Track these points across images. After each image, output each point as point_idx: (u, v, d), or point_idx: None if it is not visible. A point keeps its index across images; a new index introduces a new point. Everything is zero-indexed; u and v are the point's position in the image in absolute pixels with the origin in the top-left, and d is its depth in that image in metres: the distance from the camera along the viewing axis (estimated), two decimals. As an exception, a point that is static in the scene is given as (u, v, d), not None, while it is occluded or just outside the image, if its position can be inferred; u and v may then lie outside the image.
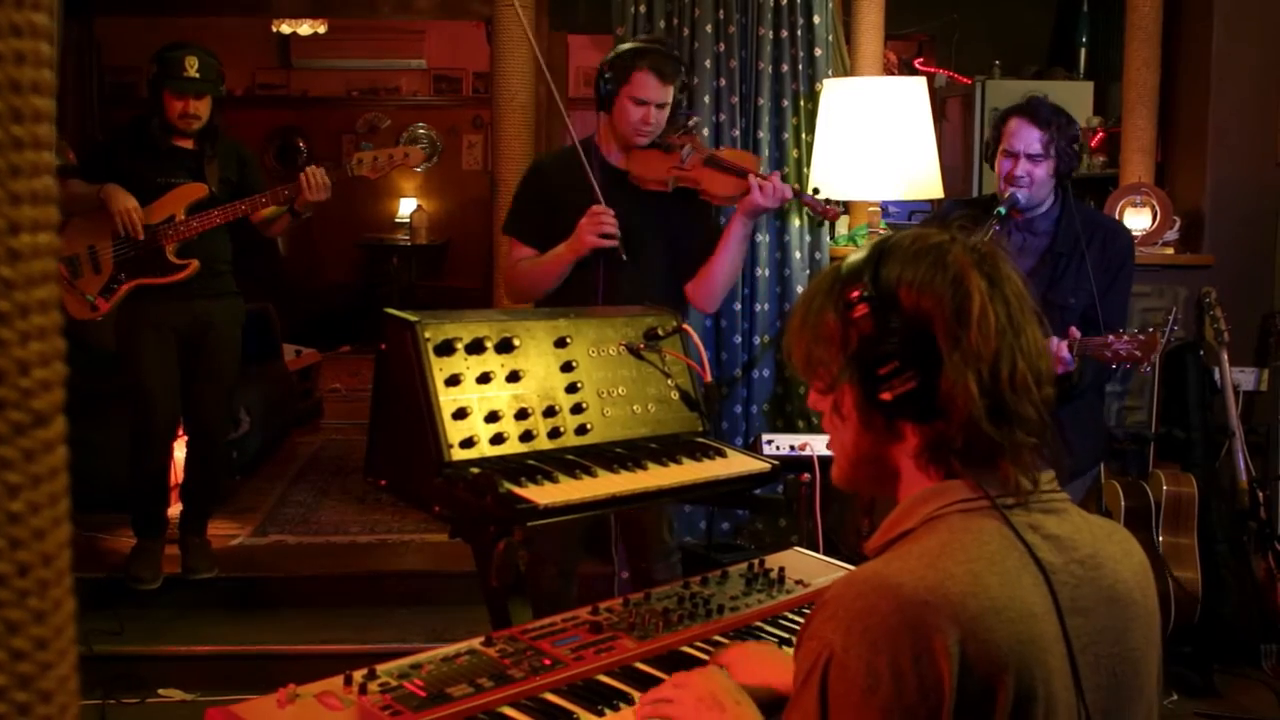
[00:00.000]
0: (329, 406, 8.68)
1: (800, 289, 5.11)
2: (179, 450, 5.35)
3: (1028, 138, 3.77)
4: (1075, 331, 3.56)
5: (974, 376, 1.47)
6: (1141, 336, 3.55)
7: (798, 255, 5.11)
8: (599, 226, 3.69)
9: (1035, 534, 1.49)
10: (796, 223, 5.10)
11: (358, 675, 1.89)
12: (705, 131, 4.96)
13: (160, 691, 4.50)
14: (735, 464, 2.63)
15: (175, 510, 5.22)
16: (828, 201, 3.83)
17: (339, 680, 1.88)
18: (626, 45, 3.86)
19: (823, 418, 1.64)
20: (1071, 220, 3.86)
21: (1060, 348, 3.51)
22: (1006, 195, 3.80)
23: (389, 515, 6.01)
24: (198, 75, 4.78)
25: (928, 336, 1.50)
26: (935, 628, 1.36)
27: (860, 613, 1.40)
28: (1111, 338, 3.57)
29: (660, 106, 3.80)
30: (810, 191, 3.88)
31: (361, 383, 9.39)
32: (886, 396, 1.52)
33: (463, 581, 4.91)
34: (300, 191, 4.65)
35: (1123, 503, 4.76)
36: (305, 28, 10.89)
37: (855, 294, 1.54)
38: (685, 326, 2.78)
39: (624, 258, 3.70)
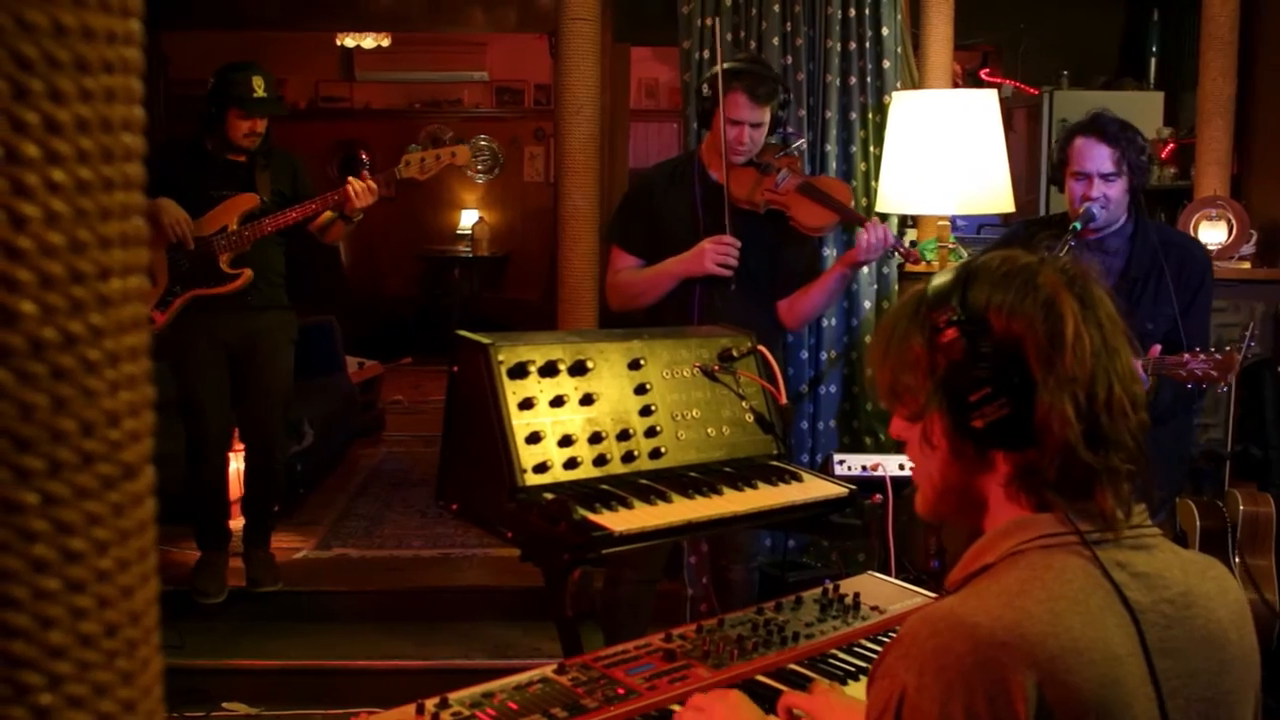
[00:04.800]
0: (391, 419, 8.69)
1: (868, 304, 5.05)
2: (238, 462, 5.37)
3: (1099, 157, 3.67)
4: (1156, 349, 3.47)
5: (1070, 401, 1.42)
6: (1218, 355, 3.46)
7: (865, 270, 5.04)
8: (724, 255, 3.75)
9: (1123, 572, 1.43)
10: (864, 237, 5.03)
11: (430, 704, 1.86)
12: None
13: (224, 705, 4.50)
14: (812, 489, 2.58)
15: (239, 524, 5.24)
16: (912, 244, 3.83)
17: (411, 709, 1.85)
18: (723, 65, 3.87)
19: (908, 446, 1.59)
20: (1146, 239, 3.76)
21: (1135, 366, 3.42)
22: (1081, 210, 3.72)
23: (452, 529, 6.00)
24: (266, 95, 4.82)
25: (1020, 361, 1.44)
26: (1011, 669, 1.31)
27: (934, 652, 1.35)
28: (1187, 356, 3.48)
29: (755, 126, 3.85)
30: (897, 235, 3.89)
31: (423, 395, 9.41)
32: (978, 424, 1.47)
33: (526, 597, 4.92)
34: (347, 200, 4.68)
35: (1198, 523, 4.65)
36: (369, 41, 10.96)
37: (943, 319, 1.49)
38: (760, 348, 2.74)
39: (732, 288, 3.75)
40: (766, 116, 3.86)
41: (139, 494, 0.64)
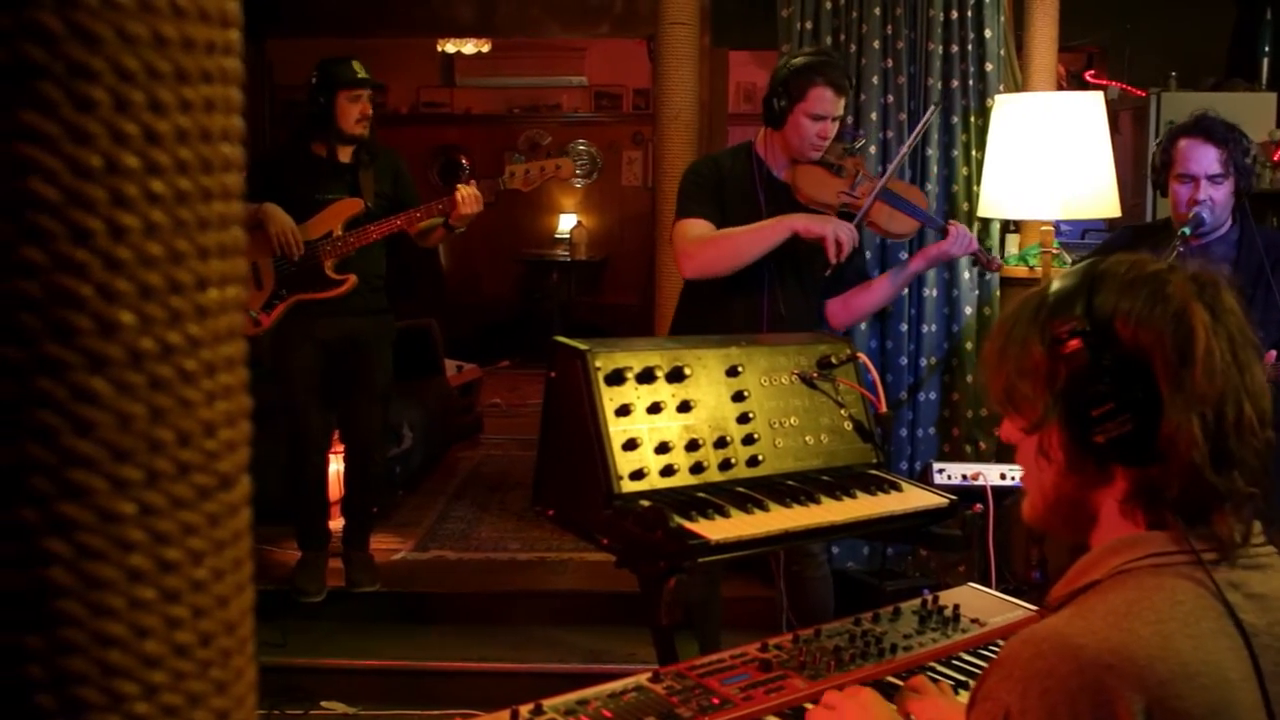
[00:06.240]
0: (489, 422, 8.74)
1: (968, 310, 4.98)
2: (338, 464, 5.43)
3: (1205, 159, 3.58)
4: (1272, 355, 3.38)
5: (1198, 420, 1.36)
6: None
7: (966, 276, 4.98)
8: (846, 241, 3.57)
9: (1237, 593, 1.38)
10: (965, 243, 4.97)
11: (524, 710, 1.86)
12: (872, 149, 4.88)
13: (323, 704, 4.56)
14: (911, 499, 2.55)
15: (339, 524, 5.30)
16: (990, 253, 3.78)
17: (505, 715, 1.85)
18: (798, 60, 3.81)
19: (1019, 453, 1.54)
20: (1253, 244, 3.66)
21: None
22: (1190, 215, 3.64)
23: (548, 533, 6.01)
24: (367, 75, 4.92)
25: (1146, 375, 1.38)
26: (1118, 693, 1.27)
27: (1038, 674, 1.31)
28: None
29: (835, 120, 3.79)
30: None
31: (521, 398, 9.47)
32: (1100, 439, 1.41)
33: (621, 602, 4.91)
34: (455, 207, 4.70)
35: (1312, 537, 4.52)
36: (469, 47, 11.05)
37: (1066, 328, 1.43)
38: (860, 355, 2.71)
39: (827, 273, 3.67)
40: (843, 109, 3.81)
41: (235, 504, 0.64)
